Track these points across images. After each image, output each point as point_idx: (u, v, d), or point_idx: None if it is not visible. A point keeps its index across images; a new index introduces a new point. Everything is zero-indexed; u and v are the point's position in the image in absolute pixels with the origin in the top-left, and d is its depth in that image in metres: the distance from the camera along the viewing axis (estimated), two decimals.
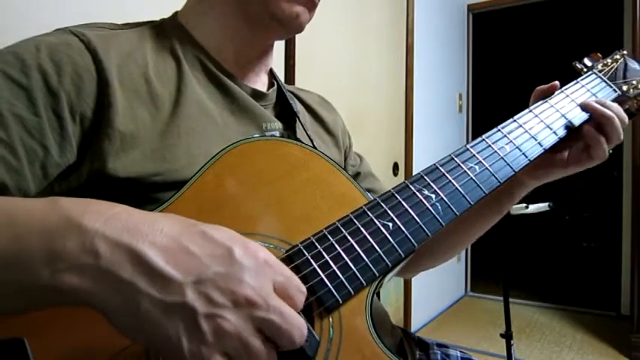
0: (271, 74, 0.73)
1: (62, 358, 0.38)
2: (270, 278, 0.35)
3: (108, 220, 0.34)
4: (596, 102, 0.67)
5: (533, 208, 1.62)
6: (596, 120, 0.66)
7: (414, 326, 2.62)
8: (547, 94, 0.69)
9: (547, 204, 1.63)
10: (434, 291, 2.95)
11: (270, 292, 0.35)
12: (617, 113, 0.66)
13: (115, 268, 0.32)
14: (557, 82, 0.69)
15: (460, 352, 0.75)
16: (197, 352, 0.32)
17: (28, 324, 0.38)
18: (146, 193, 0.51)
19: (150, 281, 0.32)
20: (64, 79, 0.49)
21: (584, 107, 0.67)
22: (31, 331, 0.37)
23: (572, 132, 0.65)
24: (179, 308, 0.32)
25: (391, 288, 2.39)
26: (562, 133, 0.64)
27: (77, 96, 0.49)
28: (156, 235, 0.34)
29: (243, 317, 0.33)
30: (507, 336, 1.59)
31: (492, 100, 4.43)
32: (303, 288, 0.38)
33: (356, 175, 0.79)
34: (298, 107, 0.72)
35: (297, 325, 0.35)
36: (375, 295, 0.48)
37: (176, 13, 0.66)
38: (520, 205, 1.60)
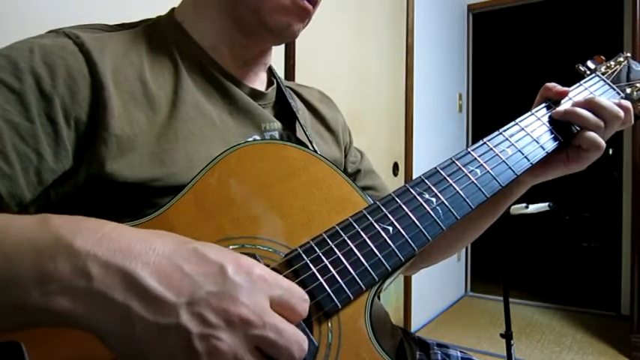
0: (270, 72, 0.72)
1: None
2: (266, 294, 0.35)
3: (99, 240, 0.34)
4: (562, 110, 0.64)
5: (533, 208, 1.61)
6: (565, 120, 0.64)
7: (414, 326, 2.62)
8: (555, 99, 0.67)
9: (547, 204, 1.63)
10: (434, 291, 2.95)
11: (265, 308, 0.34)
12: (583, 104, 0.63)
13: (107, 290, 0.32)
14: (569, 90, 0.67)
15: (460, 352, 0.75)
16: None
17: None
18: (145, 197, 0.50)
19: (143, 303, 0.32)
20: (58, 83, 0.48)
21: (561, 118, 0.64)
22: (28, 338, 0.37)
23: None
24: (173, 330, 0.32)
25: (391, 288, 2.39)
26: (564, 137, 0.64)
27: (71, 100, 0.48)
28: (149, 254, 0.33)
29: (238, 336, 0.32)
30: (507, 336, 1.59)
31: (492, 100, 4.43)
32: (306, 295, 0.38)
33: (356, 172, 0.78)
34: (298, 105, 0.72)
35: (296, 340, 0.34)
36: (374, 299, 0.48)
37: (173, 9, 0.65)
38: (520, 205, 1.60)
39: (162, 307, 0.32)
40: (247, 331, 0.33)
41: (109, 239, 0.34)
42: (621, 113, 0.63)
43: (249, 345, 0.33)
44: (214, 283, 0.33)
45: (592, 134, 0.62)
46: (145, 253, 0.33)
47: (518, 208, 1.59)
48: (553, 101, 0.67)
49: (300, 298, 0.37)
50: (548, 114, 0.65)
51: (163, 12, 0.65)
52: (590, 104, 0.63)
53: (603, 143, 0.63)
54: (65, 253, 0.33)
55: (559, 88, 0.67)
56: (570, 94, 0.67)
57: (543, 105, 0.66)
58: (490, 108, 4.04)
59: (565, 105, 0.65)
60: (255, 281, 0.35)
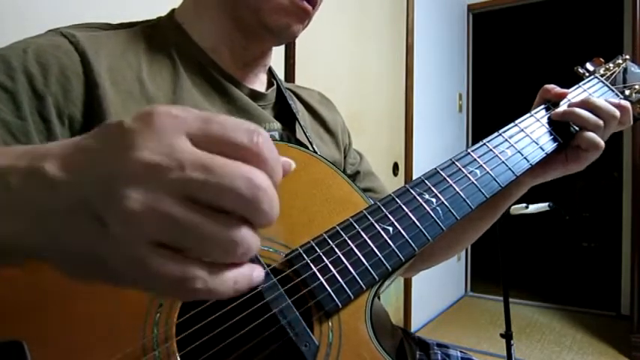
0: (270, 73, 0.72)
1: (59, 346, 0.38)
2: (179, 130, 0.25)
3: (22, 153, 0.29)
4: (561, 110, 0.65)
5: (533, 208, 1.61)
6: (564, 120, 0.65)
7: (414, 326, 2.62)
8: (554, 100, 0.67)
9: (547, 204, 1.63)
10: (434, 291, 2.95)
11: (178, 146, 0.25)
12: (584, 105, 0.63)
13: (26, 197, 0.28)
14: (567, 91, 0.68)
15: (460, 352, 0.75)
16: (115, 252, 0.25)
17: (27, 323, 0.38)
18: None
19: (50, 196, 0.27)
20: (50, 81, 0.48)
21: (560, 119, 0.65)
22: (30, 332, 0.37)
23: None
24: (79, 209, 0.26)
25: (391, 288, 2.39)
26: (563, 138, 0.64)
27: (64, 98, 0.49)
28: (59, 148, 0.28)
29: (150, 188, 0.24)
30: (507, 336, 1.59)
31: (492, 100, 4.43)
32: (258, 127, 0.27)
33: (355, 174, 0.78)
34: (298, 107, 0.72)
35: (239, 174, 0.25)
36: (374, 299, 0.48)
37: (173, 10, 0.65)
38: (520, 205, 1.60)
39: (65, 191, 0.26)
40: (160, 177, 0.24)
41: (32, 151, 0.29)
42: (617, 113, 0.63)
43: (172, 195, 0.24)
44: (111, 141, 0.26)
45: (591, 134, 0.62)
46: (57, 147, 0.29)
47: (518, 208, 1.60)
48: (552, 103, 0.67)
49: (238, 128, 0.26)
50: (547, 115, 0.65)
51: (163, 12, 0.66)
52: (586, 104, 0.64)
53: (602, 143, 0.63)
54: None
55: (558, 89, 0.67)
56: (569, 96, 0.67)
57: (542, 106, 0.67)
58: (490, 108, 4.04)
59: (564, 106, 0.66)
60: (159, 120, 0.26)
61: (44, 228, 0.27)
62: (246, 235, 0.26)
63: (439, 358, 0.73)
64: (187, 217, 0.24)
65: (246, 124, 0.26)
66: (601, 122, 0.63)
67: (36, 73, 0.48)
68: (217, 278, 0.26)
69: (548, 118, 0.65)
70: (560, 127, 0.64)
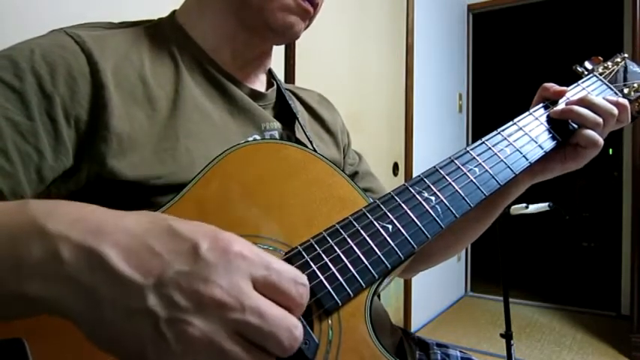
0: (270, 74, 0.72)
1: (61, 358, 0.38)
2: (246, 273, 0.31)
3: (73, 222, 0.32)
4: (560, 108, 0.64)
5: (533, 208, 1.61)
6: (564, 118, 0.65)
7: (414, 326, 2.62)
8: (552, 98, 0.67)
9: (547, 204, 1.63)
10: (434, 291, 2.95)
11: (244, 290, 0.30)
12: (581, 102, 0.63)
13: (76, 273, 0.30)
14: (566, 89, 0.68)
15: (460, 352, 0.75)
16: None
17: (28, 321, 0.38)
18: (147, 196, 0.51)
19: (110, 286, 0.30)
20: (58, 82, 0.48)
21: (559, 117, 0.64)
22: (30, 330, 0.37)
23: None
24: (141, 314, 0.29)
25: (391, 287, 2.39)
26: (562, 136, 0.64)
27: (71, 99, 0.49)
28: (119, 234, 0.31)
29: (212, 321, 0.29)
30: (507, 336, 1.59)
31: (492, 100, 4.43)
32: (303, 278, 0.33)
33: (354, 174, 0.79)
34: (297, 107, 0.72)
35: (285, 327, 0.31)
36: (374, 297, 0.48)
37: (174, 12, 0.66)
38: (520, 205, 1.60)
39: (129, 289, 0.29)
40: (223, 315, 0.29)
41: (83, 221, 0.32)
42: (615, 110, 0.63)
43: (227, 331, 0.29)
44: (185, 262, 0.30)
45: (590, 132, 0.62)
46: (116, 232, 0.31)
47: (518, 208, 1.59)
48: (551, 101, 0.67)
49: (290, 280, 0.32)
50: (546, 114, 0.65)
51: (164, 12, 0.66)
52: (584, 102, 0.63)
53: (601, 140, 0.63)
54: (38, 236, 0.31)
55: (557, 87, 0.67)
56: (568, 94, 0.68)
57: (541, 105, 0.67)
58: (490, 108, 4.04)
59: (562, 104, 0.66)
60: (231, 260, 0.31)
61: (94, 308, 0.30)
62: None
63: (439, 358, 0.73)
64: (234, 351, 0.29)
65: (293, 274, 0.33)
66: (600, 119, 0.63)
67: (44, 74, 0.48)
68: None
69: (547, 117, 0.65)
70: (558, 126, 0.64)
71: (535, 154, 0.61)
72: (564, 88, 0.68)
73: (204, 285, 0.29)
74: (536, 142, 0.62)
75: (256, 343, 0.30)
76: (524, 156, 0.60)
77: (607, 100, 0.64)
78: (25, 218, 0.32)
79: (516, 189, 0.71)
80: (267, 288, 0.31)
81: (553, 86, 0.68)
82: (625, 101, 0.65)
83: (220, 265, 0.30)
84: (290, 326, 0.31)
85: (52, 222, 0.31)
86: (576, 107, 0.63)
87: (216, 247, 0.31)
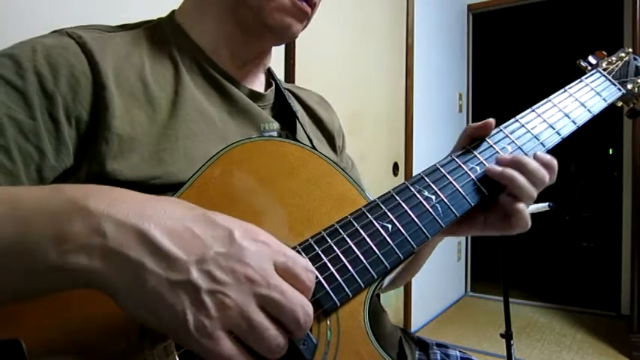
0: (269, 74, 0.72)
1: (55, 345, 0.38)
2: (270, 258, 0.37)
3: (112, 202, 0.35)
4: (501, 160, 0.57)
5: (533, 208, 1.61)
6: (503, 184, 0.56)
7: (414, 326, 2.62)
8: (482, 134, 0.60)
9: (547, 204, 1.62)
10: (434, 291, 2.95)
11: (270, 271, 0.36)
12: (523, 168, 0.55)
13: (122, 247, 0.33)
14: (492, 120, 0.60)
15: (460, 352, 0.75)
16: (201, 326, 0.33)
17: (26, 322, 0.38)
18: None
19: (156, 260, 0.33)
20: (60, 82, 0.49)
21: (488, 174, 0.57)
22: (28, 331, 0.37)
23: (491, 201, 0.57)
24: (184, 285, 0.33)
25: None
26: (565, 132, 0.63)
27: (73, 99, 0.49)
28: (160, 216, 0.35)
29: (245, 293, 0.34)
30: (507, 336, 1.59)
31: (492, 100, 4.43)
32: (311, 267, 0.39)
33: None
34: (297, 107, 0.72)
35: (300, 304, 0.36)
36: (373, 297, 0.48)
37: (173, 11, 0.66)
38: None
39: (174, 264, 0.34)
40: (253, 289, 0.35)
41: (121, 201, 0.36)
42: (547, 178, 0.56)
43: (256, 303, 0.35)
44: (222, 244, 0.35)
45: (522, 206, 0.56)
46: (157, 214, 0.35)
47: None
48: (481, 135, 0.60)
49: (302, 267, 0.38)
50: (549, 109, 0.64)
51: (164, 12, 0.66)
52: (519, 167, 0.56)
53: (531, 192, 0.55)
54: (80, 214, 0.34)
55: (478, 123, 0.60)
56: (571, 91, 0.67)
57: (544, 102, 0.65)
58: (490, 108, 4.03)
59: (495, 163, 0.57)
60: (259, 246, 0.37)
61: (137, 280, 0.33)
62: (285, 344, 0.36)
63: (438, 357, 0.73)
64: (259, 320, 0.35)
65: (305, 262, 0.39)
66: (534, 193, 0.56)
67: (46, 74, 0.48)
68: None
69: (550, 113, 0.64)
70: (561, 123, 0.63)
71: (536, 150, 0.60)
72: (488, 120, 0.60)
73: (239, 265, 0.35)
74: (538, 140, 0.61)
75: (275, 316, 0.35)
76: (525, 154, 0.60)
77: (539, 161, 0.57)
78: (65, 198, 0.35)
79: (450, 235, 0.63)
80: (284, 272, 0.37)
81: (476, 124, 0.60)
82: (553, 161, 0.58)
83: (251, 250, 0.36)
84: (304, 304, 0.36)
85: (92, 201, 0.35)
86: (518, 179, 0.55)
87: (247, 235, 0.37)
